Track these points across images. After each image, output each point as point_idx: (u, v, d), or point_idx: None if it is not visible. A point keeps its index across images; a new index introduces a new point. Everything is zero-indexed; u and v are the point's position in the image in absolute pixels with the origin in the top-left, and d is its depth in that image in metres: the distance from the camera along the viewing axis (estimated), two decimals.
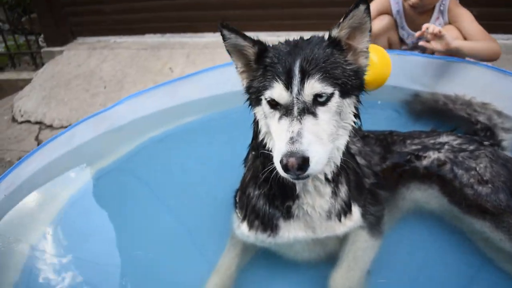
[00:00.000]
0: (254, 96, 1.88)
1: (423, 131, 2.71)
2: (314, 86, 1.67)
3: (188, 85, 3.74)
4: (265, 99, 1.76)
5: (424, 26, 3.24)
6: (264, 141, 1.91)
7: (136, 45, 6.12)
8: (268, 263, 2.31)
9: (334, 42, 1.81)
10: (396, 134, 2.66)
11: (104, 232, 2.75)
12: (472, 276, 2.17)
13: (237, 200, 2.34)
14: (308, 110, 1.67)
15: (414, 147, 2.52)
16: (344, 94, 1.75)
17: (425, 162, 2.42)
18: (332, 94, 1.71)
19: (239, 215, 2.25)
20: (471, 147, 2.41)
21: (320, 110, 1.69)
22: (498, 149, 2.47)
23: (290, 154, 1.54)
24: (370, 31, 1.82)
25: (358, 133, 2.57)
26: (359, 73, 1.83)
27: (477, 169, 2.28)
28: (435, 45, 3.27)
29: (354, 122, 1.88)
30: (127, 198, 3.01)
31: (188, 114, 3.69)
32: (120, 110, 3.49)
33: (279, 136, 1.68)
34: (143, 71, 5.43)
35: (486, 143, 2.48)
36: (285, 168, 1.56)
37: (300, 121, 1.63)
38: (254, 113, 1.95)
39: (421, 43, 3.41)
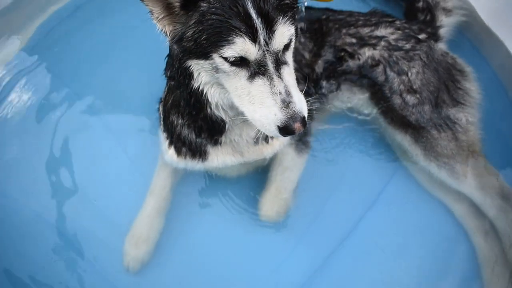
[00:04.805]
0: (193, 48, 1.50)
1: (362, 13, 2.45)
2: (284, 33, 1.42)
3: None
4: (222, 57, 1.43)
5: None
6: (200, 89, 1.63)
7: None
8: (199, 177, 2.34)
9: None
10: (332, 19, 2.39)
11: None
12: None
13: (161, 116, 2.12)
14: (280, 60, 1.46)
15: (348, 40, 2.32)
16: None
17: (358, 61, 2.28)
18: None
19: (165, 136, 2.09)
20: (407, 46, 2.26)
21: (287, 56, 1.51)
22: (434, 45, 2.33)
23: (292, 119, 1.42)
24: None
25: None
26: None
27: (409, 74, 2.20)
28: None
29: None
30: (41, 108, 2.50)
31: None
32: None
33: (258, 99, 1.46)
34: None
35: (423, 36, 2.32)
36: (287, 132, 1.44)
37: (280, 77, 1.44)
38: (184, 62, 1.57)
39: None
